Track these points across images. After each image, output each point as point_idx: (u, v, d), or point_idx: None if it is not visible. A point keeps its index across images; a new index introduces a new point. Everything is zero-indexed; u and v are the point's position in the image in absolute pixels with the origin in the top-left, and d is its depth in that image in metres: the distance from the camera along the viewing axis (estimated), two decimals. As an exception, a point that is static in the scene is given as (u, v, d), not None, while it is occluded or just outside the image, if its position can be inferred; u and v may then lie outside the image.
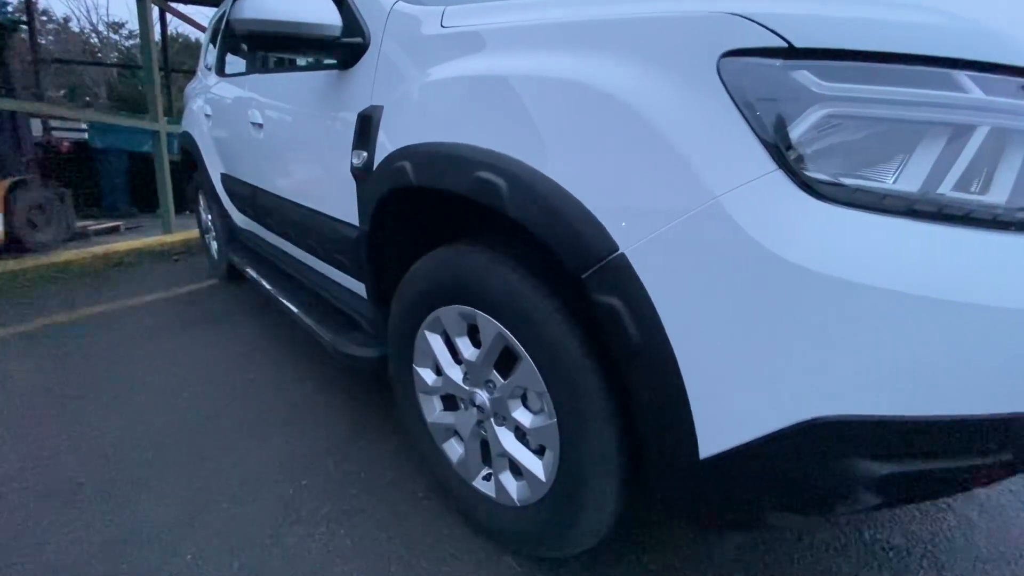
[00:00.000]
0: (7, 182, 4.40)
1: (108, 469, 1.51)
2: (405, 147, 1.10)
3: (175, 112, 7.84)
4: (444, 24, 1.15)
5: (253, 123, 2.09)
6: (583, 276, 0.78)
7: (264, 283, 2.27)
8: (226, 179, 2.71)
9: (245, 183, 2.39)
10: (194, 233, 4.51)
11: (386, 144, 1.20)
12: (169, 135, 4.92)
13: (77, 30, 21.20)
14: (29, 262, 3.50)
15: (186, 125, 3.13)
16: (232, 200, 2.70)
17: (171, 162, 4.98)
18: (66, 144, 7.70)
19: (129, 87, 12.98)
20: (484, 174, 0.87)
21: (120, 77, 13.62)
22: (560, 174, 0.79)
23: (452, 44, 1.09)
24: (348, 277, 1.67)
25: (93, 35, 21.07)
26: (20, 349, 2.34)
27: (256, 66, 2.18)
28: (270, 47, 1.37)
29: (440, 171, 0.98)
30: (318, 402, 1.90)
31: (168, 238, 4.23)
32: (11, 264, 3.46)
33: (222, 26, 2.87)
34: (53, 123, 9.26)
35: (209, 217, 3.22)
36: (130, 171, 7.67)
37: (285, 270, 2.27)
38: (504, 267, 0.98)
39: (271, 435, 1.69)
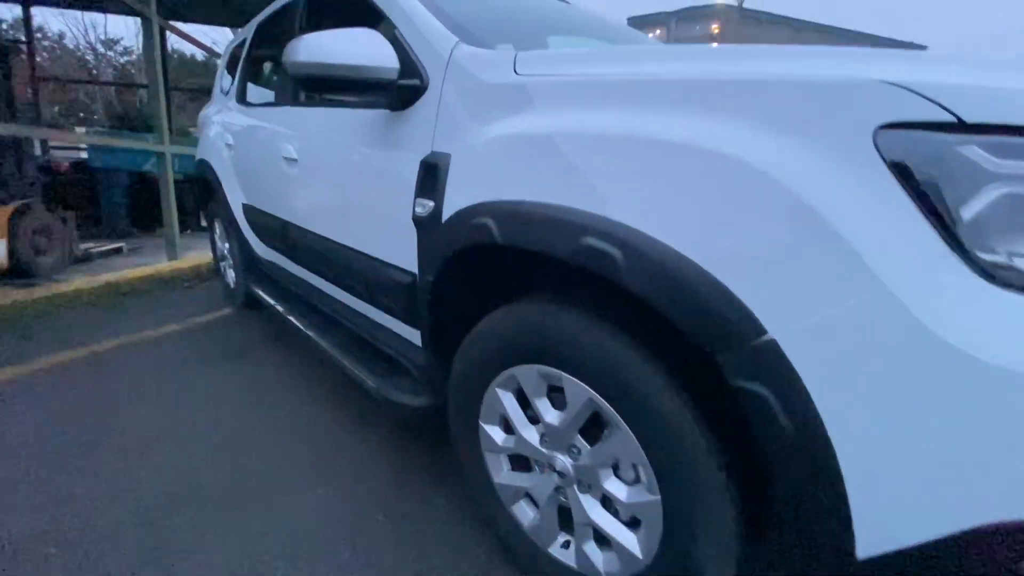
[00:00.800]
0: (11, 207, 4.31)
1: (142, 531, 1.42)
2: (486, 203, 1.05)
3: (174, 131, 7.78)
4: (519, 71, 1.11)
5: (286, 157, 2.04)
6: (719, 358, 0.72)
7: (293, 319, 2.20)
8: (249, 210, 2.65)
9: (273, 216, 2.33)
10: (203, 258, 4.44)
11: (458, 196, 1.15)
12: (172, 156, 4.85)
13: (72, 47, 21.16)
14: (38, 292, 3.40)
15: (204, 153, 3.07)
16: (255, 231, 2.64)
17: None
18: (65, 165, 7.61)
19: (126, 104, 12.92)
20: (593, 241, 0.82)
21: (117, 94, 13.57)
22: (693, 250, 0.74)
23: (535, 94, 1.04)
24: (396, 321, 1.61)
25: (88, 52, 21.03)
26: (32, 391, 2.24)
27: (287, 98, 2.13)
28: (326, 89, 1.32)
29: (534, 233, 0.92)
30: (355, 444, 1.83)
31: (177, 264, 4.15)
32: (20, 295, 3.37)
33: (242, 53, 2.83)
34: (52, 142, 9.19)
35: (226, 246, 3.15)
36: (129, 190, 7.59)
37: (315, 305, 2.20)
38: (602, 332, 0.92)
39: (313, 484, 1.61)
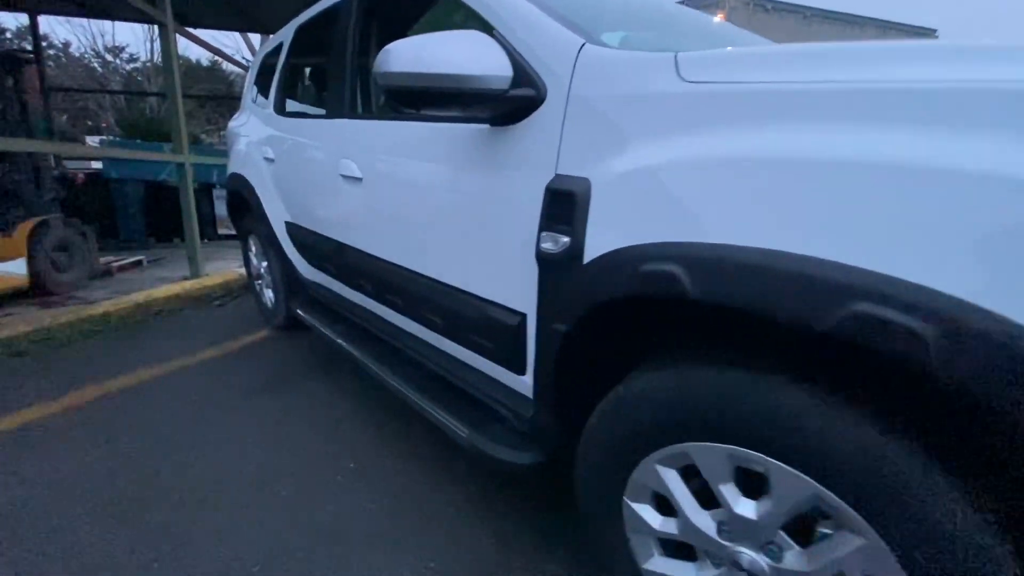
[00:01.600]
0: (30, 223, 4.16)
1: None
2: (670, 244, 0.84)
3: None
4: (687, 77, 0.90)
5: (345, 175, 1.84)
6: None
7: (353, 352, 2.01)
8: (293, 228, 2.45)
9: (324, 238, 2.14)
10: (229, 272, 4.26)
11: (609, 233, 0.94)
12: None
13: (77, 55, 21.09)
14: (64, 316, 3.23)
15: (238, 167, 2.88)
16: (300, 251, 2.45)
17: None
18: (81, 176, 7.47)
19: (138, 112, 12.80)
20: (886, 312, 0.60)
21: (128, 103, 13.43)
22: None
23: (726, 106, 0.82)
24: (490, 364, 1.41)
25: (95, 60, 20.95)
26: (64, 433, 2.06)
27: (342, 109, 1.92)
28: (424, 104, 1.12)
29: (764, 290, 0.71)
30: (442, 502, 1.63)
31: (206, 281, 3.98)
32: (46, 319, 3.20)
33: (279, 60, 2.63)
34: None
35: (263, 264, 2.96)
36: (145, 201, 7.45)
37: (377, 335, 2.00)
38: (849, 419, 0.71)
39: (404, 553, 1.42)
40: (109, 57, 20.87)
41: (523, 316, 1.23)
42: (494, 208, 1.23)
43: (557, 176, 1.06)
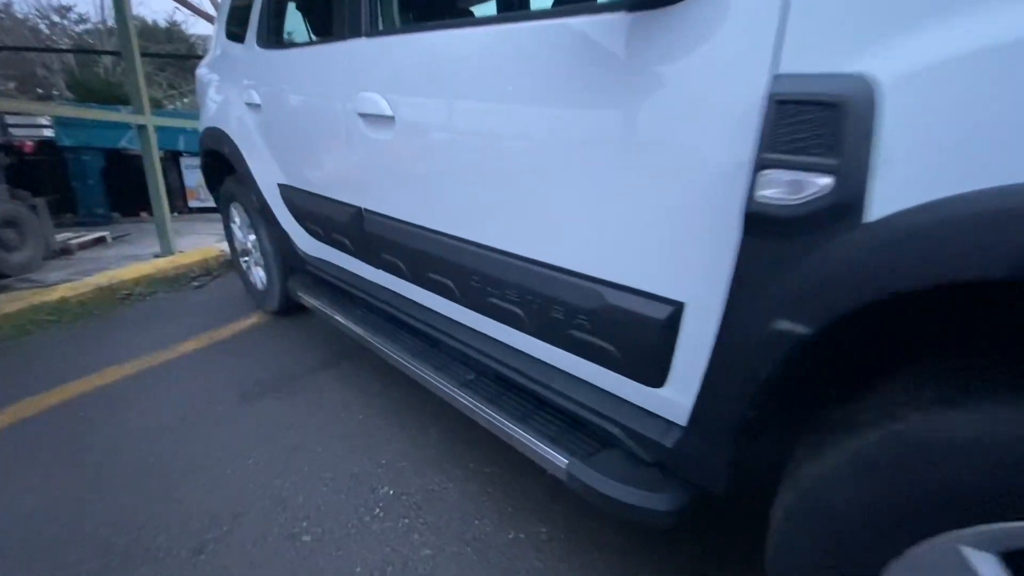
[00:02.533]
0: (-32, 198, 3.58)
1: None
2: None
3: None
4: None
5: (367, 114, 1.38)
6: None
7: (381, 346, 1.58)
8: (289, 192, 1.98)
9: (334, 202, 1.68)
10: (211, 250, 3.74)
11: (928, 172, 0.53)
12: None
13: (21, 16, 19.40)
14: (12, 304, 2.72)
15: (213, 119, 2.36)
16: (300, 221, 1.98)
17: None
18: (29, 144, 6.72)
19: (91, 75, 11.76)
20: None
21: (80, 65, 12.30)
22: None
23: None
24: (603, 370, 1.00)
25: (41, 21, 19.33)
26: (20, 447, 1.62)
27: (364, 27, 1.43)
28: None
29: None
30: (523, 543, 1.25)
31: (181, 259, 3.46)
32: (-11, 309, 2.68)
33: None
34: (9, 119, 8.21)
35: (251, 237, 2.48)
36: (105, 171, 6.76)
37: (411, 325, 1.57)
38: None
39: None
40: (56, 18, 19.27)
41: (678, 307, 0.82)
42: (643, 142, 0.80)
43: (788, 77, 0.63)
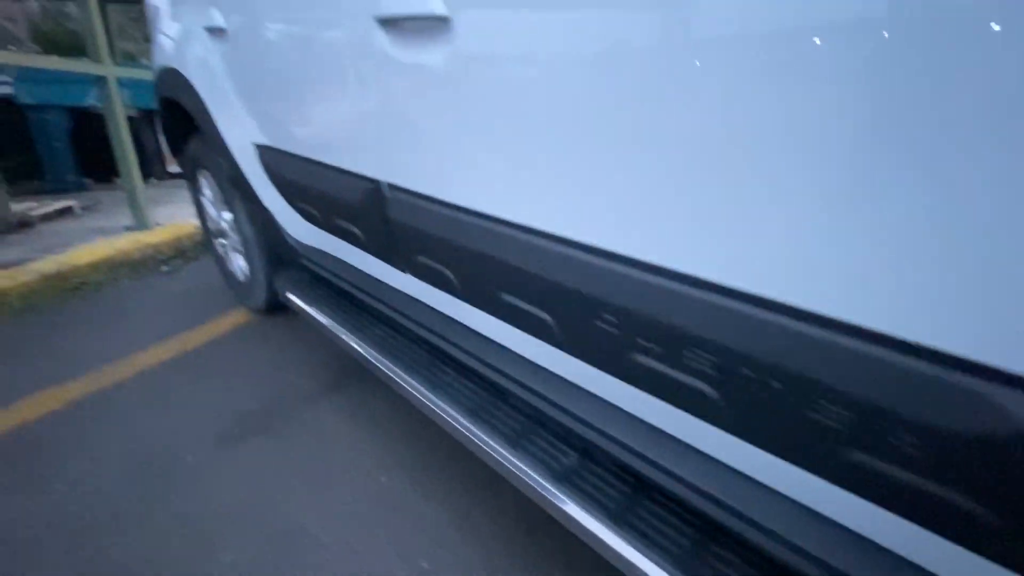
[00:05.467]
0: None
1: None
2: None
3: (116, 53, 6.22)
4: None
5: (399, 18, 0.80)
6: None
7: (440, 409, 1.03)
8: (271, 158, 1.40)
9: (342, 173, 1.11)
10: (186, 226, 3.16)
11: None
12: (120, 82, 3.44)
13: (-16, -38, 17.94)
14: (-69, 300, 2.16)
15: (165, 56, 1.75)
16: (288, 197, 1.41)
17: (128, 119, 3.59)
18: (-16, 102, 6.00)
19: (57, 27, 10.78)
20: None
21: (45, 16, 11.27)
22: None
23: None
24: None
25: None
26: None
27: None
28: None
29: None
30: None
31: (147, 237, 2.88)
32: (-99, 307, 2.12)
33: None
34: (-37, 75, 7.41)
35: (227, 215, 1.91)
36: (75, 132, 6.07)
37: (469, 365, 1.03)
38: None
39: None
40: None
41: None
42: None
43: None
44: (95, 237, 3.39)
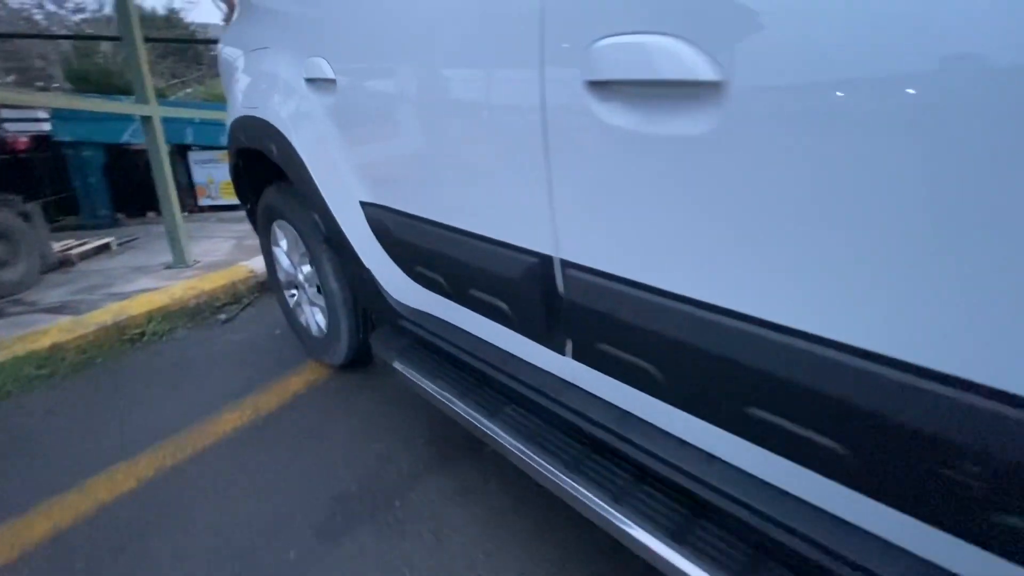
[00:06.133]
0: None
1: None
2: None
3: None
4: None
5: (620, 83, 0.68)
6: None
7: (618, 523, 0.88)
8: (382, 217, 1.28)
9: (491, 243, 0.98)
10: (238, 271, 3.05)
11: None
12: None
13: (16, 6, 18.69)
14: (-10, 356, 2.06)
15: (247, 106, 1.65)
16: (400, 260, 1.29)
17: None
18: (24, 140, 6.06)
19: (91, 65, 11.04)
20: None
21: (78, 53, 11.55)
22: None
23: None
24: None
25: (36, 11, 18.64)
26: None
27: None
28: None
29: None
30: None
31: (203, 283, 2.78)
32: (-42, 364, 2.02)
33: None
34: (2, 113, 7.54)
35: (306, 268, 1.79)
36: (108, 169, 6.10)
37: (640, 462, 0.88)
38: None
39: None
40: (52, 7, 18.54)
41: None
42: None
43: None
44: (136, 275, 3.33)
